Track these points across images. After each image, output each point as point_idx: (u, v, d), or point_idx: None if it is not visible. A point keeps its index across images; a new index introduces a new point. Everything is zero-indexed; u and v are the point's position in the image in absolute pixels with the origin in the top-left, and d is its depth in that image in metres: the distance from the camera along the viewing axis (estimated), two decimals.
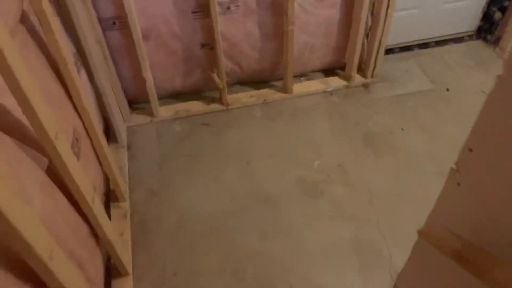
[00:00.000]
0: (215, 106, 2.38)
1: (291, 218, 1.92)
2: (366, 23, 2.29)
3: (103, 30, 1.99)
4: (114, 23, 2.00)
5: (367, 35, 2.39)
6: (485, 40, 2.72)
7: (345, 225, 1.89)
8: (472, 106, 2.38)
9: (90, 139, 1.68)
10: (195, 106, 2.39)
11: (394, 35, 2.52)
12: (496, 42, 2.66)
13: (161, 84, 2.30)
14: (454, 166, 0.91)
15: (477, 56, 2.66)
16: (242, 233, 1.88)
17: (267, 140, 2.24)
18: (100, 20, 1.95)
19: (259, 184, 2.06)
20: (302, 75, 2.58)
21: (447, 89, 2.48)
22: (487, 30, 2.68)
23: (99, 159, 1.76)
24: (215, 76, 2.26)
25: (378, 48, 2.39)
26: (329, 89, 2.49)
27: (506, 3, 2.49)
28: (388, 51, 2.68)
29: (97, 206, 1.42)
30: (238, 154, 2.18)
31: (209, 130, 2.31)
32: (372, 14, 2.30)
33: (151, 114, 2.33)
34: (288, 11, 2.08)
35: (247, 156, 2.17)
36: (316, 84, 2.51)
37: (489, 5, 2.60)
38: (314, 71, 2.59)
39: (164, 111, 2.36)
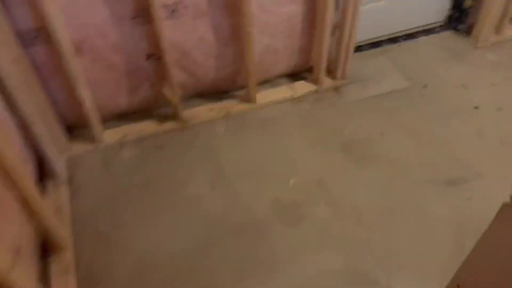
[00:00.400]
0: (170, 125, 2.06)
1: (271, 250, 1.63)
2: (332, 19, 2.05)
3: (23, 45, 1.63)
4: (36, 36, 1.65)
5: (333, 33, 2.15)
6: (456, 29, 2.54)
7: (334, 253, 1.62)
8: (454, 102, 2.18)
9: (11, 183, 1.32)
10: (147, 126, 2.06)
11: (362, 31, 2.29)
12: (468, 31, 2.49)
13: (103, 104, 1.96)
14: (508, 200, 0.65)
15: (450, 47, 2.48)
16: (215, 274, 1.57)
17: (234, 159, 1.94)
18: (17, 33, 1.60)
19: (229, 212, 1.75)
20: (267, 82, 2.30)
21: (425, 86, 2.27)
22: (457, 19, 2.51)
23: (26, 207, 1.40)
24: (166, 90, 1.94)
25: (347, 46, 2.15)
26: (297, 95, 2.23)
27: None
28: (357, 49, 2.45)
29: (18, 276, 1.07)
30: (201, 179, 1.87)
31: (165, 153, 1.98)
32: (337, 8, 2.06)
33: (94, 140, 1.98)
34: (245, 10, 1.79)
35: (212, 180, 1.86)
36: (282, 91, 2.24)
37: None
38: (279, 77, 2.32)
39: (110, 136, 2.02)
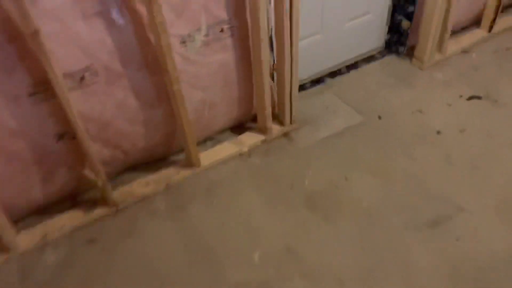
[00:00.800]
0: (100, 211, 1.71)
1: None
2: (269, 62, 1.83)
3: None
4: None
5: (272, 76, 1.94)
6: (397, 53, 2.42)
7: None
8: (414, 130, 2.01)
9: None
10: (72, 218, 1.70)
11: (302, 68, 2.07)
12: (409, 53, 2.38)
13: (12, 202, 1.58)
14: None
15: (396, 72, 2.34)
16: None
17: (182, 241, 1.62)
18: None
19: None
20: (208, 140, 2.03)
21: (379, 117, 2.09)
22: (397, 42, 2.39)
23: None
24: (88, 172, 1.61)
25: (291, 88, 1.94)
26: (245, 150, 1.97)
27: (411, 9, 2.22)
28: (300, 88, 2.24)
29: None
30: (146, 274, 1.53)
31: (97, 248, 1.62)
32: (272, 49, 1.86)
33: (6, 248, 1.59)
34: (168, 66, 1.53)
35: (160, 273, 1.53)
36: (227, 147, 1.97)
37: (393, 15, 2.32)
38: (221, 132, 2.06)
39: (26, 238, 1.63)
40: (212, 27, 1.68)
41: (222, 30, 1.71)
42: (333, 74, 2.36)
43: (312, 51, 2.21)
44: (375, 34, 2.39)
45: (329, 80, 2.34)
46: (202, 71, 1.74)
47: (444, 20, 2.18)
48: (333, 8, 2.14)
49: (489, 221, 1.61)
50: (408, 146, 1.93)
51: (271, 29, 1.78)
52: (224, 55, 1.77)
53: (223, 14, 1.66)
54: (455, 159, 1.85)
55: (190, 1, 1.56)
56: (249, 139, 2.01)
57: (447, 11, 2.14)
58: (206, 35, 1.68)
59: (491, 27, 2.42)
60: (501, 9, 2.38)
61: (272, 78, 1.95)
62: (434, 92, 2.20)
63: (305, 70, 2.23)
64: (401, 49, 2.40)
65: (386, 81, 2.29)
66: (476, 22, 2.49)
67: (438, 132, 1.98)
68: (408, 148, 1.92)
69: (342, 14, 2.20)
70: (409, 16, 2.25)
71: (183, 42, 1.63)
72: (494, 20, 2.39)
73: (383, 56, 2.45)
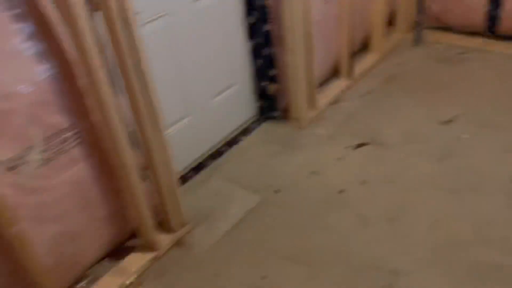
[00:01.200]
0: None
1: None
2: (136, 162, 1.49)
3: None
4: None
5: (144, 177, 1.59)
6: (272, 118, 2.28)
7: None
8: (315, 195, 1.82)
9: None
10: None
11: (178, 158, 1.76)
12: (285, 115, 2.25)
13: None
14: None
15: (277, 138, 2.17)
16: None
17: None
18: None
19: None
20: (82, 279, 1.55)
21: (276, 191, 1.86)
22: (268, 107, 2.26)
23: None
24: None
25: (170, 185, 1.61)
26: (132, 278, 1.54)
27: (273, 72, 2.12)
28: (182, 181, 1.93)
29: None
30: None
31: None
32: (136, 147, 1.53)
33: None
34: None
35: None
36: (108, 282, 1.52)
37: (258, 82, 2.19)
38: (96, 263, 1.59)
39: None
40: (51, 139, 1.29)
41: (65, 140, 1.34)
42: (214, 155, 2.10)
43: (185, 137, 1.94)
44: (245, 104, 2.23)
45: (212, 163, 2.06)
46: (49, 198, 1.32)
47: (309, 77, 2.12)
48: (195, 88, 1.92)
49: (430, 277, 1.43)
50: (317, 216, 1.71)
51: (129, 124, 1.46)
52: (74, 170, 1.37)
53: (61, 120, 1.30)
54: (369, 217, 1.68)
55: (10, 114, 1.17)
56: (135, 261, 1.59)
57: (309, 67, 2.09)
58: (44, 150, 1.28)
59: (350, 74, 2.45)
60: (353, 56, 2.44)
61: (146, 179, 1.59)
62: (321, 149, 2.07)
63: (182, 158, 1.93)
64: (275, 113, 2.26)
65: (270, 150, 2.10)
66: (334, 72, 2.51)
67: (341, 192, 1.81)
68: (318, 219, 1.70)
69: (206, 91, 1.99)
70: (274, 80, 2.15)
71: (12, 168, 1.21)
72: (350, 67, 2.43)
73: (259, 124, 2.28)
